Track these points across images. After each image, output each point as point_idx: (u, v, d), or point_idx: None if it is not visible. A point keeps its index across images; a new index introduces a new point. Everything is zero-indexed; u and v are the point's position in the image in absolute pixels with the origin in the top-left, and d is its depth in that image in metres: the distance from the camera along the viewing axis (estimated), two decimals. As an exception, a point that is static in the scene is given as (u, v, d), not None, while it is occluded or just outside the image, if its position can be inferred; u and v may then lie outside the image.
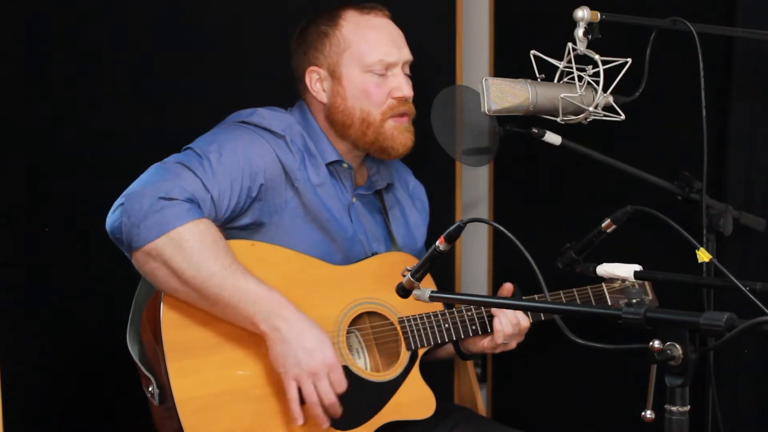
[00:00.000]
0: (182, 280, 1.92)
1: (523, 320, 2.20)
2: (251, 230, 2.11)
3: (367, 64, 2.15)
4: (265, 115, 2.15)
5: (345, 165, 2.23)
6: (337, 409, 1.99)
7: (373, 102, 2.16)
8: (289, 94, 2.30)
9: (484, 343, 2.24)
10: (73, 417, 2.48)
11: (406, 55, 2.21)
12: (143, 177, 1.98)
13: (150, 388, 1.99)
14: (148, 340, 2.02)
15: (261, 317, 1.94)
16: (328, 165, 2.20)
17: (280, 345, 1.95)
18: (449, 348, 2.34)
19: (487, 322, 2.22)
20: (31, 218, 2.38)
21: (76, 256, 2.42)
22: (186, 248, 1.91)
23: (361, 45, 2.16)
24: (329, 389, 1.97)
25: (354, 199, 2.26)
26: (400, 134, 2.20)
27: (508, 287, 2.25)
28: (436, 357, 2.37)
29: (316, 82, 2.20)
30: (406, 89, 2.18)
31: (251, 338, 2.01)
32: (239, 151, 2.05)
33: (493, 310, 2.19)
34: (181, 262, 1.90)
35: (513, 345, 2.24)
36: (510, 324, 2.18)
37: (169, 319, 1.96)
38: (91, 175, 2.43)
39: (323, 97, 2.20)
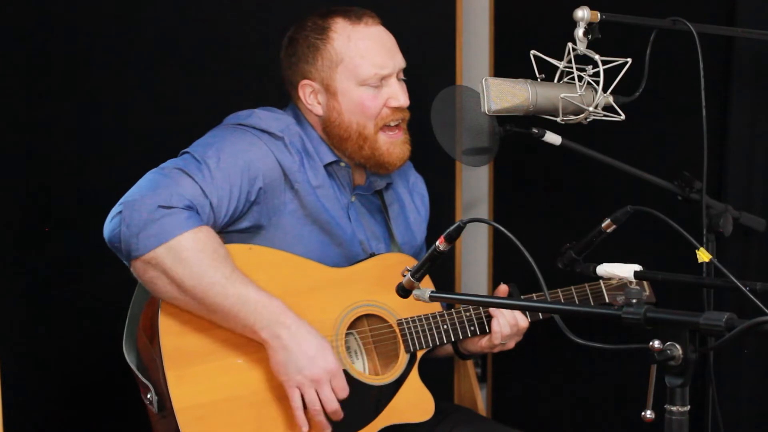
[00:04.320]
0: (182, 289, 1.92)
1: (522, 321, 2.20)
2: (251, 233, 2.10)
3: (362, 78, 2.12)
4: (262, 117, 2.14)
5: (342, 164, 2.22)
6: (340, 415, 2.00)
7: (369, 114, 2.15)
8: (286, 95, 2.30)
9: (482, 343, 2.24)
10: (73, 417, 2.48)
11: (400, 62, 2.18)
12: (141, 183, 1.96)
13: (149, 396, 1.99)
14: (145, 346, 2.01)
15: (262, 325, 1.94)
16: (325, 166, 2.19)
17: (282, 353, 1.95)
18: (448, 347, 2.34)
19: (485, 323, 2.21)
20: (31, 218, 2.38)
21: (76, 256, 2.42)
22: (186, 258, 1.90)
23: (354, 59, 2.12)
24: (332, 395, 1.98)
25: (353, 198, 2.26)
26: (395, 149, 2.19)
27: (503, 289, 2.25)
28: (436, 355, 2.37)
29: (310, 95, 2.17)
30: (402, 98, 2.16)
31: (250, 344, 2.01)
32: (238, 156, 2.04)
33: (491, 311, 2.19)
34: (181, 272, 1.90)
35: (511, 345, 2.24)
36: (508, 325, 2.18)
37: (166, 326, 1.95)
38: (91, 175, 2.43)
39: (318, 110, 2.18)
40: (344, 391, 1.99)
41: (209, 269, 1.91)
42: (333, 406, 1.98)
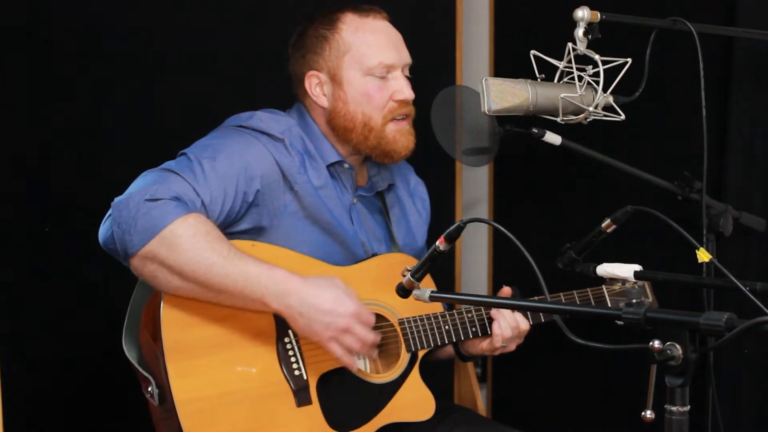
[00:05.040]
0: (183, 277, 1.92)
1: (523, 323, 2.20)
2: (252, 234, 2.10)
3: (368, 67, 2.15)
4: (263, 118, 2.15)
5: (346, 165, 2.22)
6: (377, 338, 2.05)
7: (375, 106, 2.16)
8: (289, 96, 2.30)
9: (483, 346, 2.24)
10: (73, 417, 2.48)
11: (406, 57, 2.21)
12: (131, 185, 1.97)
13: (149, 389, 1.99)
14: (147, 341, 2.01)
15: (270, 297, 1.95)
16: (328, 166, 2.20)
17: (301, 319, 1.97)
18: (449, 349, 2.34)
19: (487, 324, 2.22)
20: (31, 218, 2.38)
21: (76, 255, 2.42)
22: (180, 245, 1.90)
23: (361, 48, 2.16)
24: (365, 331, 2.02)
25: (355, 200, 2.26)
26: (401, 137, 2.20)
27: (505, 291, 2.25)
28: (437, 357, 2.38)
29: (316, 86, 2.20)
30: (407, 92, 2.18)
31: (251, 338, 2.01)
32: (235, 157, 2.04)
33: (493, 314, 2.19)
34: (178, 260, 1.90)
35: (512, 348, 2.24)
36: (509, 327, 2.18)
37: (169, 319, 1.95)
38: (90, 175, 2.43)
39: (324, 102, 2.20)
40: (372, 318, 2.03)
41: (205, 251, 1.91)
42: (370, 338, 2.03)
